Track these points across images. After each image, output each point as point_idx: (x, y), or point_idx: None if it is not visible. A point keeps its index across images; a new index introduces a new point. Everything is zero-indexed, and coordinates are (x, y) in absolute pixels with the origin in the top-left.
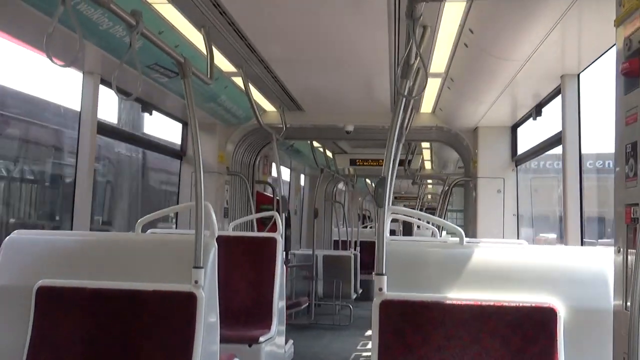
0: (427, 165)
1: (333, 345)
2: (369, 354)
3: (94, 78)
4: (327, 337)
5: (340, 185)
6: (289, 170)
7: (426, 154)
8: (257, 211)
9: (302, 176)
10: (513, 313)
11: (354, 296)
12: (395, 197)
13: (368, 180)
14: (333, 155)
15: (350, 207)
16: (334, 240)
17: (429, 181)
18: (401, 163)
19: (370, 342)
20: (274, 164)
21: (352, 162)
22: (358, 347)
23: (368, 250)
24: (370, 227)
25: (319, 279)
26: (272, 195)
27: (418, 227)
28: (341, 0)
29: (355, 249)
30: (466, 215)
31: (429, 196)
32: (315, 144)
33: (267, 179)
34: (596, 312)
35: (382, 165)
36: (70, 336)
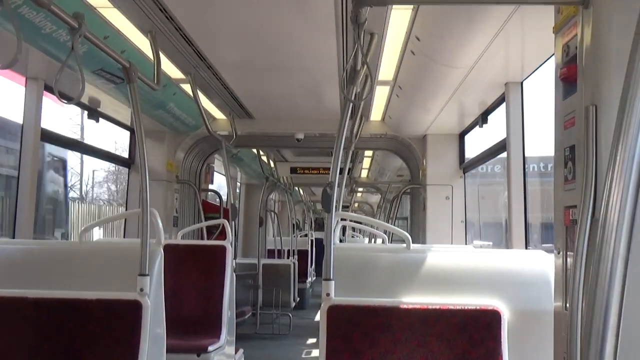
0: (364, 173)
1: (277, 355)
2: None
3: (38, 84)
4: (269, 346)
5: (272, 195)
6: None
7: (366, 163)
8: (210, 219)
9: (238, 184)
10: (459, 316)
11: (293, 305)
12: None
13: (301, 191)
14: (275, 163)
15: (283, 216)
16: (269, 249)
17: (360, 189)
18: (342, 171)
19: (313, 351)
20: (216, 172)
21: (293, 170)
22: (302, 356)
23: (302, 259)
24: (302, 236)
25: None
26: (217, 204)
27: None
28: (289, 6)
29: (293, 257)
30: (412, 223)
31: (356, 204)
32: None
33: (208, 187)
34: (539, 314)
35: (322, 174)
36: (12, 347)
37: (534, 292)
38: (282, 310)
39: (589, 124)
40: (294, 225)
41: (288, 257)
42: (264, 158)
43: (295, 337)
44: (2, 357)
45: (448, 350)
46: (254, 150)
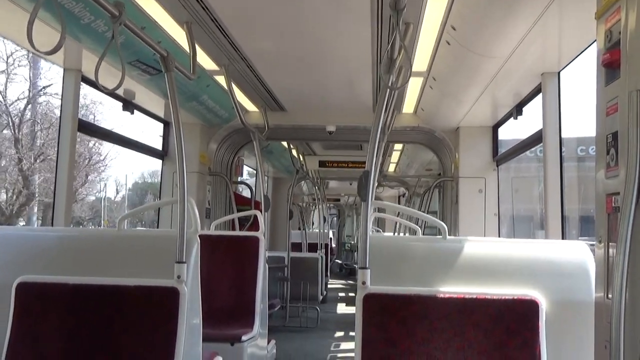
0: (391, 167)
1: (306, 348)
2: (343, 355)
3: (75, 74)
4: (297, 339)
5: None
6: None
7: (394, 157)
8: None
9: (266, 177)
10: (496, 306)
11: (320, 298)
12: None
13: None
14: (303, 157)
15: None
16: (293, 243)
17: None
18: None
19: (342, 344)
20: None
21: (322, 164)
22: (331, 349)
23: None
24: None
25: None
26: (247, 196)
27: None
28: None
29: (320, 251)
30: (444, 216)
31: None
32: (285, 144)
33: (237, 179)
34: (577, 304)
35: (351, 167)
36: (51, 332)
37: (572, 283)
38: (310, 304)
39: (633, 109)
40: (324, 218)
41: (315, 251)
42: (294, 151)
43: (322, 331)
44: (41, 342)
45: (485, 339)
46: (284, 144)
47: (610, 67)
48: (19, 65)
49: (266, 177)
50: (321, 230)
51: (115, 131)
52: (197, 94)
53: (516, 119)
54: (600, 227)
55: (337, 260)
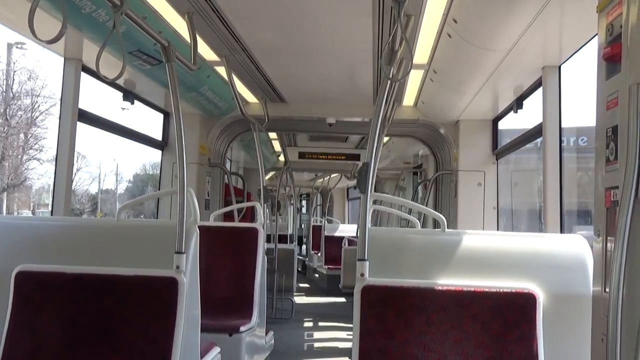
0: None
1: (284, 339)
2: (321, 344)
3: (76, 64)
4: (274, 330)
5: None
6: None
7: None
8: (230, 203)
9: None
10: (493, 299)
11: (295, 289)
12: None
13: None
14: (284, 148)
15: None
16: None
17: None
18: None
19: (317, 333)
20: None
21: (301, 156)
22: (306, 338)
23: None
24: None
25: None
26: (238, 187)
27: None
28: None
29: (294, 242)
30: (441, 210)
31: None
32: (272, 135)
33: None
34: (575, 297)
35: (331, 160)
36: (50, 321)
37: (570, 276)
38: (285, 295)
39: (634, 103)
40: (298, 209)
41: (284, 242)
42: (275, 142)
43: (296, 322)
44: (40, 331)
45: (482, 332)
46: (270, 134)
47: (611, 60)
48: None
49: (239, 168)
50: (294, 223)
51: (115, 121)
52: (197, 84)
53: (516, 112)
54: (598, 220)
55: None
